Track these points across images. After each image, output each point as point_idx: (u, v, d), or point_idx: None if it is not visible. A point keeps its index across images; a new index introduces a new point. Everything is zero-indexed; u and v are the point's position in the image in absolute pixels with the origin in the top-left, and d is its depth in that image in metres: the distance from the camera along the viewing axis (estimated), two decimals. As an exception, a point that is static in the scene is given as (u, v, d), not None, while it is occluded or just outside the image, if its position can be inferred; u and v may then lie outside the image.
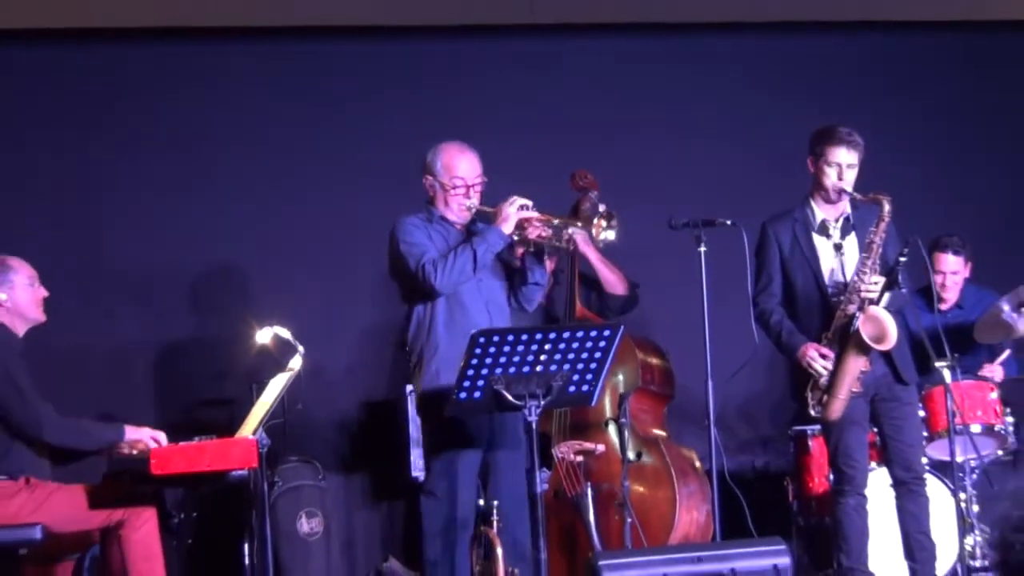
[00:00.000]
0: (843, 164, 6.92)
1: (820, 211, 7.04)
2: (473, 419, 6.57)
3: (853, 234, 7.02)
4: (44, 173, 8.70)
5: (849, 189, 6.90)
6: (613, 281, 7.99)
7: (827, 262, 7.02)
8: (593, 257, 7.87)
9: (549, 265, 7.96)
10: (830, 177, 6.92)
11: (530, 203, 6.72)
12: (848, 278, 6.94)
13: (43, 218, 8.58)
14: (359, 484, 8.87)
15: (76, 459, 6.88)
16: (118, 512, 6.68)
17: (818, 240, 7.02)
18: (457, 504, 6.69)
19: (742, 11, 9.20)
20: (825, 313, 6.96)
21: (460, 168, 6.84)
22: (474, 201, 6.84)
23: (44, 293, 6.92)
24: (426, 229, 6.82)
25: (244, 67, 8.99)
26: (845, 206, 7.02)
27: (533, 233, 6.75)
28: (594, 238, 6.74)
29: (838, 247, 7.02)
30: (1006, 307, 7.93)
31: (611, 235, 6.70)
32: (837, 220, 7.04)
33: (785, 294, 7.09)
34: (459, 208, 6.85)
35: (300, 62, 9.06)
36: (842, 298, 6.90)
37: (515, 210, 6.68)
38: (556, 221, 6.77)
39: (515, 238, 6.75)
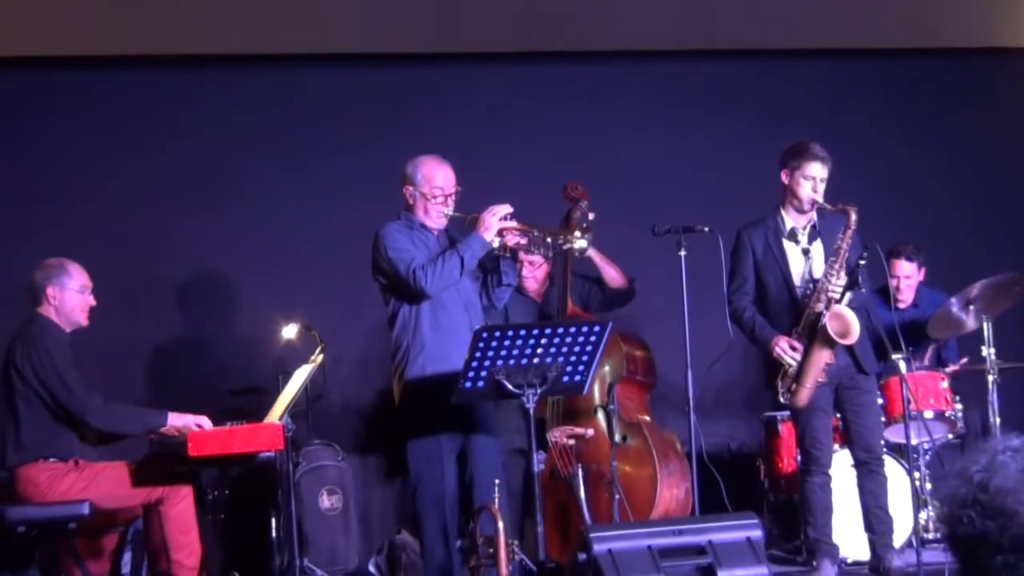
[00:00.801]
0: (817, 178, 6.95)
1: (790, 219, 7.07)
2: (452, 408, 6.52)
3: (819, 240, 7.05)
4: (92, 186, 8.69)
5: (821, 200, 6.92)
6: (613, 275, 8.00)
7: (796, 265, 7.05)
8: (596, 257, 7.88)
9: (545, 268, 7.98)
10: (805, 189, 6.95)
11: (510, 212, 6.71)
12: (815, 280, 6.95)
13: (98, 226, 8.55)
14: (374, 464, 8.86)
15: (121, 439, 6.90)
16: (158, 490, 6.70)
17: (788, 245, 7.05)
18: (444, 484, 6.65)
19: (717, 40, 9.21)
20: (794, 311, 6.99)
21: (438, 179, 6.80)
22: (451, 209, 6.82)
23: (92, 302, 6.91)
24: (408, 235, 6.77)
25: (273, 87, 8.98)
26: (813, 215, 7.05)
27: (511, 240, 6.73)
28: (571, 247, 6.75)
29: (806, 252, 7.05)
30: (955, 305, 7.95)
31: (584, 244, 6.71)
32: (805, 227, 7.07)
33: (757, 294, 7.11)
34: (437, 216, 6.80)
35: (327, 85, 9.06)
36: (810, 297, 6.91)
37: (496, 220, 6.67)
38: (534, 232, 6.76)
39: (495, 244, 6.73)
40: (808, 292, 6.96)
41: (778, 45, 9.37)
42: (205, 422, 6.74)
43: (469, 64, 9.16)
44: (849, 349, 6.96)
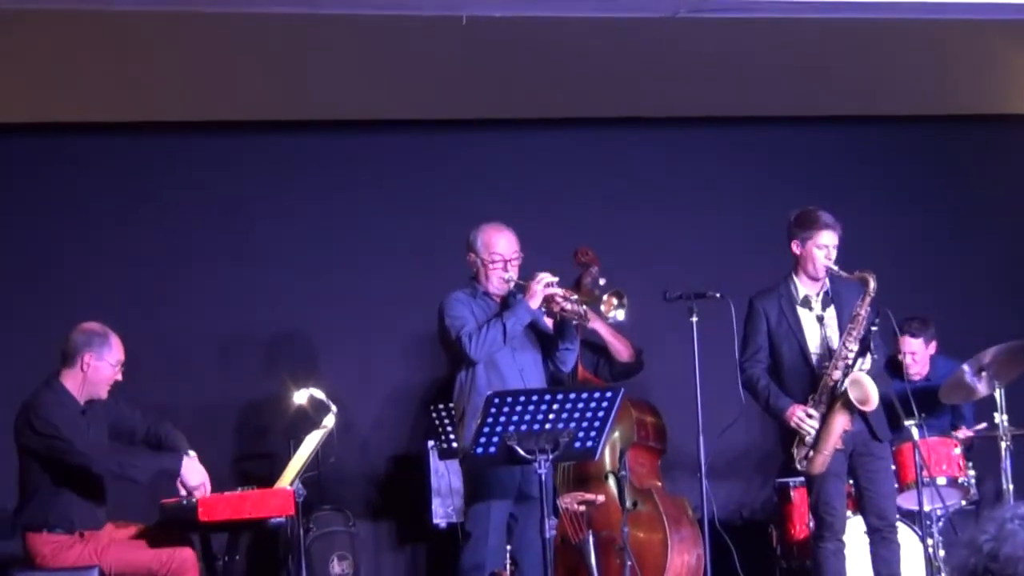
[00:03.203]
0: (829, 245, 6.98)
1: (803, 287, 7.08)
2: (507, 472, 6.59)
3: (833, 307, 7.05)
4: (103, 249, 8.71)
5: (836, 268, 6.95)
6: (620, 349, 8.04)
7: (811, 333, 7.05)
8: (602, 329, 7.92)
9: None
10: (819, 259, 6.96)
11: (555, 279, 6.79)
12: (829, 347, 6.96)
13: (111, 289, 8.58)
14: (386, 530, 8.84)
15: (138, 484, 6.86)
16: (163, 554, 6.66)
17: (802, 313, 7.06)
18: (488, 546, 6.70)
19: (729, 107, 9.24)
20: (809, 378, 6.98)
21: (498, 245, 6.90)
22: (512, 275, 6.90)
23: (119, 378, 6.91)
24: (469, 304, 6.87)
25: (290, 155, 9.00)
26: (825, 282, 7.05)
27: (557, 307, 6.81)
28: (604, 315, 6.82)
29: (820, 319, 7.05)
30: (968, 371, 7.96)
31: (620, 314, 6.80)
32: (818, 294, 7.07)
33: (772, 362, 7.11)
34: (498, 281, 6.89)
35: (340, 152, 9.10)
36: (827, 365, 6.92)
37: (542, 287, 6.74)
38: (574, 297, 6.84)
39: (543, 311, 6.80)
40: (824, 359, 6.97)
41: (790, 112, 9.42)
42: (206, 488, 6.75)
43: (481, 131, 9.20)
44: (863, 416, 6.96)
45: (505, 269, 6.89)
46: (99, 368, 6.79)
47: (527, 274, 6.88)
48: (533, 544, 6.65)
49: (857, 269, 6.93)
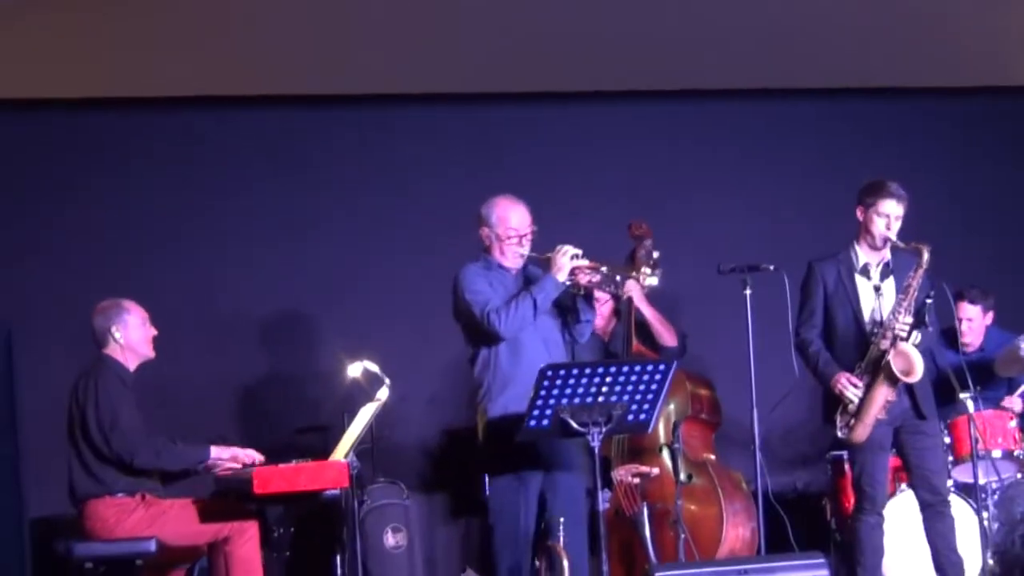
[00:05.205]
0: (891, 215, 6.94)
1: (863, 255, 7.04)
2: (534, 446, 6.56)
3: (892, 278, 7.02)
4: (166, 223, 8.78)
5: (894, 238, 6.91)
6: (663, 333, 7.97)
7: (867, 301, 7.01)
8: (647, 311, 7.87)
9: (610, 305, 7.99)
10: (878, 226, 6.93)
11: (580, 252, 6.73)
12: (884, 317, 6.93)
13: (166, 266, 8.65)
14: (439, 503, 8.87)
15: (180, 479, 6.97)
16: (225, 528, 6.74)
17: (860, 281, 7.03)
18: (521, 521, 6.66)
19: (780, 78, 9.20)
20: (861, 347, 6.95)
21: (513, 219, 6.84)
22: (526, 249, 6.86)
23: (154, 332, 7.00)
24: (486, 276, 6.81)
25: (351, 128, 9.04)
26: (886, 252, 7.02)
27: (583, 279, 6.75)
28: (640, 283, 6.77)
29: (877, 289, 7.01)
30: (1023, 344, 7.91)
31: (654, 281, 6.73)
32: (878, 264, 7.04)
33: (825, 328, 7.08)
34: (513, 256, 6.84)
35: (401, 124, 9.12)
36: (877, 335, 6.89)
37: (568, 260, 6.67)
38: (604, 268, 6.78)
39: (568, 283, 6.76)
40: (876, 329, 6.95)
41: (842, 83, 9.36)
42: (254, 456, 6.85)
43: (534, 104, 9.18)
44: (909, 392, 6.92)
45: (520, 243, 6.84)
46: (128, 335, 6.91)
47: (543, 248, 6.84)
48: (569, 516, 6.63)
49: (914, 240, 6.90)
